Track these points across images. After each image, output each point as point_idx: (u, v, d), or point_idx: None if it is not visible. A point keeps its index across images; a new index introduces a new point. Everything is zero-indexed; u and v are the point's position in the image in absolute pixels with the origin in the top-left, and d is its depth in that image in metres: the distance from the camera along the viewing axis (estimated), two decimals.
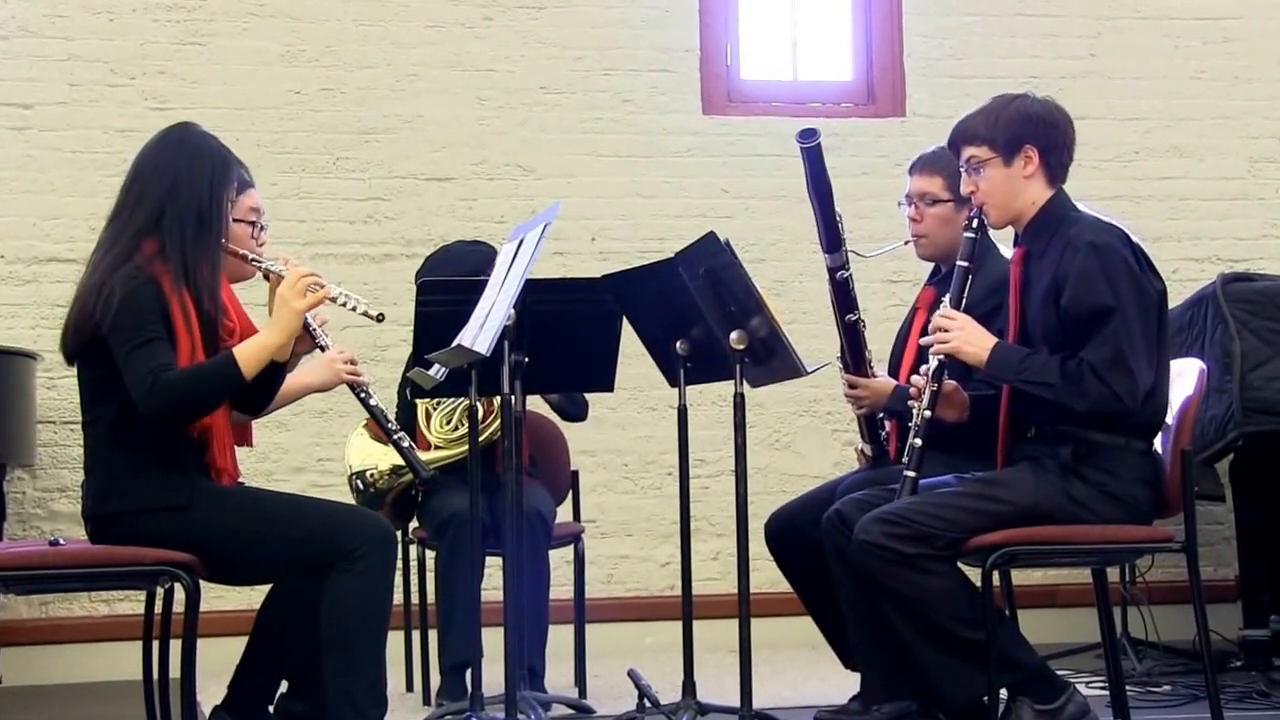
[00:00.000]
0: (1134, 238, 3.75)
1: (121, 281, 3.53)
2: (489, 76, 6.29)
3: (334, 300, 3.74)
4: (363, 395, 4.25)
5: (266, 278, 3.77)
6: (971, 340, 3.75)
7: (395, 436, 4.29)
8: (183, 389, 3.52)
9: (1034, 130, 3.81)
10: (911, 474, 3.75)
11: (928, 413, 3.77)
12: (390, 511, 4.68)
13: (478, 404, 4.11)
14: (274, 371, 3.68)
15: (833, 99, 6.63)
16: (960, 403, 3.90)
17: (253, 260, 3.82)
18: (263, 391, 3.74)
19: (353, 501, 4.68)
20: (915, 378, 3.86)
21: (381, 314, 3.81)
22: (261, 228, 4.02)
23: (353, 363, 4.22)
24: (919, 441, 3.76)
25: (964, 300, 3.83)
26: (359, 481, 4.71)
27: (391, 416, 4.41)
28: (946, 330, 3.77)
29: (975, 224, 3.86)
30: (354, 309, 3.78)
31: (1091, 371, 3.59)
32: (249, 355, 3.59)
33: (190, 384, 3.54)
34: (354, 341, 5.82)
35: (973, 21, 6.59)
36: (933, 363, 3.80)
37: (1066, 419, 3.68)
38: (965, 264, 3.84)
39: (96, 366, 3.61)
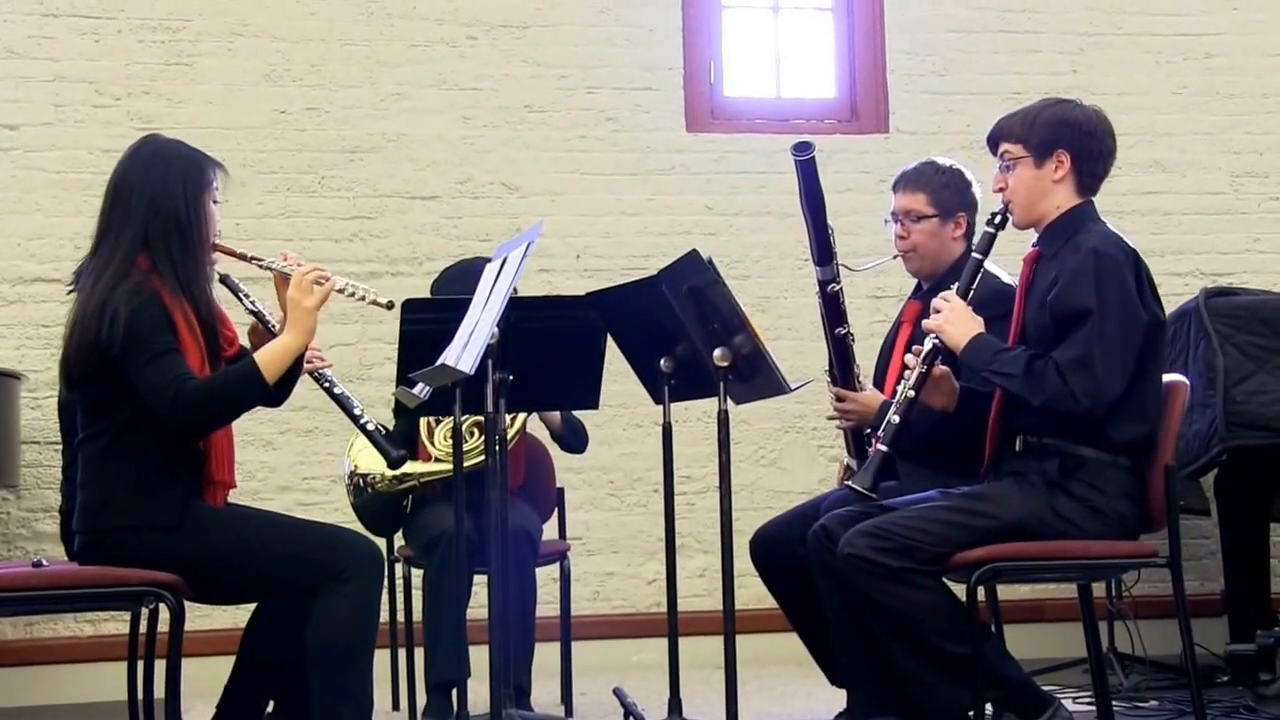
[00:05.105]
0: (1144, 262, 3.75)
1: (124, 300, 3.52)
2: (473, 95, 6.30)
3: (341, 291, 3.75)
4: (327, 384, 4.25)
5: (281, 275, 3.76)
6: (956, 323, 3.77)
7: (362, 421, 4.30)
8: (205, 397, 3.53)
9: (1069, 136, 3.82)
10: (883, 448, 3.75)
11: (911, 393, 3.78)
12: (375, 519, 4.68)
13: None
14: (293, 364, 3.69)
15: (816, 115, 6.63)
16: (950, 390, 3.90)
17: (255, 260, 3.79)
18: (284, 382, 3.71)
19: (343, 507, 4.70)
20: (908, 356, 3.87)
21: (391, 301, 3.82)
22: None
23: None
24: (897, 418, 3.76)
25: (970, 293, 3.84)
26: (359, 480, 4.69)
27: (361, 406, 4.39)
28: (939, 311, 3.79)
29: (998, 219, 3.87)
30: (362, 299, 3.79)
31: (1055, 369, 3.61)
32: (270, 360, 3.60)
33: (213, 392, 3.55)
34: (339, 359, 5.82)
35: (955, 38, 6.61)
36: (927, 344, 3.81)
37: (1053, 426, 3.69)
38: (979, 256, 3.87)
39: (98, 386, 3.60)
